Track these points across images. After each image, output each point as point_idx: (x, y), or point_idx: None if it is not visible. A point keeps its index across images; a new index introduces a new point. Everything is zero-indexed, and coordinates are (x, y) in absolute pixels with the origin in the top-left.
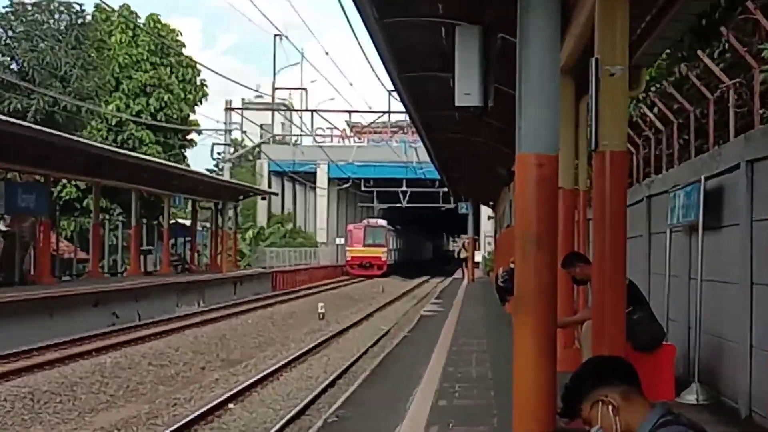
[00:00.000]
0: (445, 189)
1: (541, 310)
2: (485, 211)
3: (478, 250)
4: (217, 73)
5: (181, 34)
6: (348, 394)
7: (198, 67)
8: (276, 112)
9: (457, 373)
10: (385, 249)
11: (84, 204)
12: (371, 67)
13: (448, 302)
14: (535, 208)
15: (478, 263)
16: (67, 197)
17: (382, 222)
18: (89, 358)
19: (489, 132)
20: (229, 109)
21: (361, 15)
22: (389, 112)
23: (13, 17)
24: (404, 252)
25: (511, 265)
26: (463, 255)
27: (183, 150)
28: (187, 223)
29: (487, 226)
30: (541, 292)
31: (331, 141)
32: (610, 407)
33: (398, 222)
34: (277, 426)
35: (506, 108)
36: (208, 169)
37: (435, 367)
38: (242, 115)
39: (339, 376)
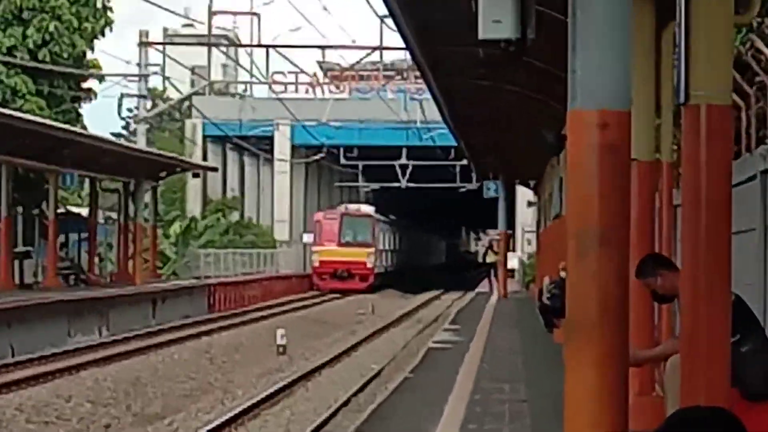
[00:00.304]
0: (464, 162)
1: (605, 339)
2: (523, 194)
3: (513, 251)
4: None
5: None
6: None
7: None
8: (214, 49)
9: None
10: (372, 250)
11: None
12: None
13: (469, 328)
14: (596, 190)
15: (512, 271)
16: None
17: (368, 209)
18: None
19: (529, 78)
20: (145, 44)
21: None
22: (381, 48)
23: None
24: (404, 254)
25: (562, 274)
26: (490, 258)
27: (77, 105)
28: (84, 212)
29: (525, 215)
30: (605, 314)
31: (296, 91)
32: None
33: (395, 210)
34: None
35: (554, 42)
36: (114, 134)
37: (450, 424)
38: (164, 53)
39: None
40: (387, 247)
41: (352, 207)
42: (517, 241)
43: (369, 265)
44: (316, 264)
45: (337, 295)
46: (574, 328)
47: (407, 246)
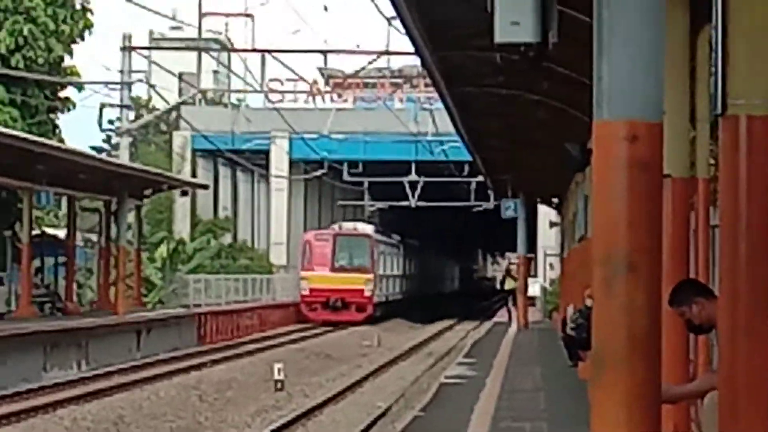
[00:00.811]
0: (480, 178)
1: (635, 374)
2: (545, 213)
3: (534, 276)
4: None
5: None
6: None
7: None
8: (204, 54)
9: None
10: (371, 276)
11: None
12: None
13: (485, 362)
14: (624, 209)
15: (533, 298)
16: None
17: (366, 228)
18: None
19: (551, 85)
20: (128, 48)
21: None
22: (388, 53)
23: None
24: (413, 280)
25: (588, 302)
26: (509, 285)
27: (53, 115)
28: (61, 234)
29: (548, 237)
30: (635, 346)
31: (295, 101)
32: None
33: (404, 231)
34: None
35: (578, 46)
36: (94, 147)
37: None
38: (149, 59)
39: None
40: (391, 272)
41: (348, 225)
42: (539, 266)
43: (367, 294)
44: (305, 292)
45: (338, 328)
46: (600, 362)
47: (417, 271)
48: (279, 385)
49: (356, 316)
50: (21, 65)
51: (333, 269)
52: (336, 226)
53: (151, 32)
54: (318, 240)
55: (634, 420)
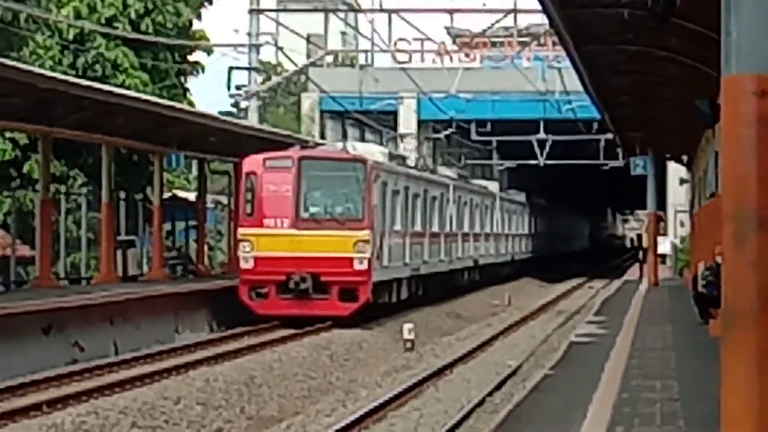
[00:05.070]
0: (609, 136)
1: (766, 330)
2: (675, 170)
3: (664, 234)
4: None
5: None
6: None
7: None
8: (331, 15)
9: None
10: (366, 233)
11: (24, 170)
12: None
13: (615, 321)
14: (754, 166)
15: (664, 256)
16: None
17: (366, 149)
18: (37, 417)
19: (679, 42)
20: (255, 11)
21: None
22: (515, 11)
23: None
24: (541, 239)
25: (718, 259)
26: (647, 242)
27: (182, 79)
28: (192, 197)
29: (678, 195)
30: (766, 302)
31: (422, 60)
32: None
33: (534, 189)
34: None
35: (706, 1)
36: (223, 113)
37: (594, 427)
38: (277, 21)
39: None
40: (405, 228)
41: (326, 148)
42: (669, 223)
43: (359, 266)
44: (248, 265)
45: (471, 287)
46: (731, 320)
47: (549, 229)
48: (409, 345)
49: (339, 307)
50: (150, 29)
51: (297, 223)
52: (298, 147)
53: None
54: (270, 170)
55: (765, 376)
